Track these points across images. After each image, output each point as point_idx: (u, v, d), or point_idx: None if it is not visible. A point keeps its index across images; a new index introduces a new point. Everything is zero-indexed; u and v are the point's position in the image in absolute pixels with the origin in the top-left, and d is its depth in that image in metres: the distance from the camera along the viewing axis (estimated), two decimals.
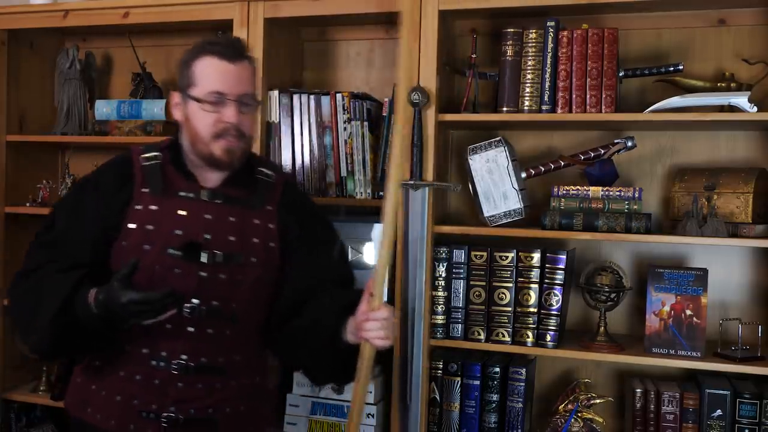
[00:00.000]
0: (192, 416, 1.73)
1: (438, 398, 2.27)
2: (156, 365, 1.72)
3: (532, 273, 2.19)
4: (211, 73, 1.70)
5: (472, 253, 2.24)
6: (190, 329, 1.72)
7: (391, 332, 1.66)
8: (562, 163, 2.24)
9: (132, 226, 1.71)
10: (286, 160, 2.40)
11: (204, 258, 1.70)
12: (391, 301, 2.30)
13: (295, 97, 2.40)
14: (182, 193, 1.74)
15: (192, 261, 1.70)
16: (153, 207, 1.72)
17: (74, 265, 1.70)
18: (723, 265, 2.27)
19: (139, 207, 1.72)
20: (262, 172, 1.84)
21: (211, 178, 1.78)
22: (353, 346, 1.70)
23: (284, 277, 1.82)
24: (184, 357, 1.71)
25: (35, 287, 1.70)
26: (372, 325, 1.63)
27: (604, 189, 2.16)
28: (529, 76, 2.19)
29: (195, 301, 1.70)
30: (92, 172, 1.86)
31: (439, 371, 2.27)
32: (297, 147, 2.40)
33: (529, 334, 2.19)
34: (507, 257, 2.21)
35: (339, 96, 2.37)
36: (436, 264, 2.24)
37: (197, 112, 1.70)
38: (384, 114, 2.34)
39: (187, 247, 1.69)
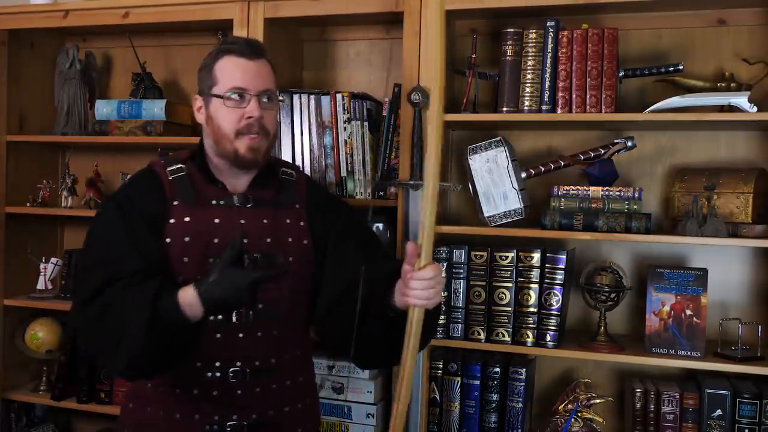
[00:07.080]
0: (255, 421, 1.72)
1: (438, 398, 2.27)
2: (212, 377, 1.69)
3: (532, 273, 2.19)
4: (231, 70, 1.71)
5: (472, 253, 2.24)
6: (240, 335, 1.71)
7: (437, 293, 1.57)
8: (562, 163, 2.24)
9: (169, 240, 1.69)
10: (286, 160, 2.40)
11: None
12: None
13: (295, 97, 2.40)
14: (214, 201, 1.73)
15: None
16: (187, 219, 1.70)
17: (135, 274, 1.63)
18: (723, 265, 2.27)
19: (173, 221, 1.70)
20: (285, 171, 1.85)
21: (239, 183, 1.77)
22: (403, 312, 1.59)
23: (325, 270, 1.79)
24: (238, 364, 1.70)
25: (108, 310, 1.60)
26: (415, 284, 1.54)
27: (604, 189, 2.16)
28: (529, 76, 2.19)
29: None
30: (119, 189, 1.82)
31: (439, 371, 2.27)
32: (297, 147, 2.40)
33: (529, 334, 2.19)
34: (507, 257, 2.21)
35: (339, 96, 2.37)
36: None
37: (220, 109, 1.71)
38: (384, 114, 2.34)
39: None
